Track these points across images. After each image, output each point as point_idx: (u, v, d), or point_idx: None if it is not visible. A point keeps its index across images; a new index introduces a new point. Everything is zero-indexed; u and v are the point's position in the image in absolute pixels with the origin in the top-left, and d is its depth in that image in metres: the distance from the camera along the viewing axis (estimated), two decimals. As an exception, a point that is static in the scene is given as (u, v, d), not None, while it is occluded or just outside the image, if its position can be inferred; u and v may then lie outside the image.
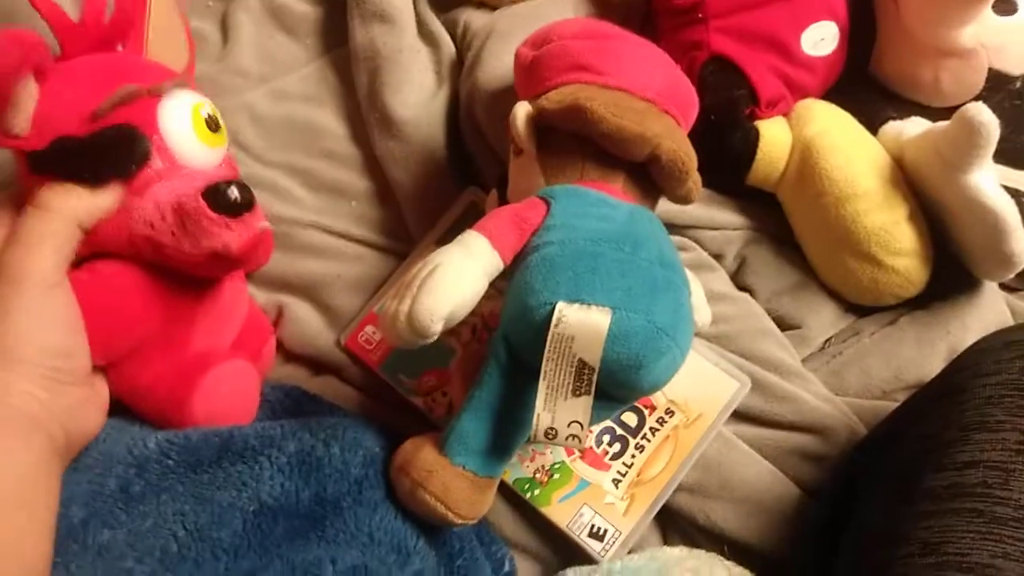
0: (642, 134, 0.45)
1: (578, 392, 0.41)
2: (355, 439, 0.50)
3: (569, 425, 0.42)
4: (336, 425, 0.50)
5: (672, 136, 0.47)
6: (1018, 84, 0.68)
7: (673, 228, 0.62)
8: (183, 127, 0.48)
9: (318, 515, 0.47)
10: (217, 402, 0.50)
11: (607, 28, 0.52)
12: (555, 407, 0.42)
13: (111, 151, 0.45)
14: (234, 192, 0.45)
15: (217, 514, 0.45)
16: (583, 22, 0.54)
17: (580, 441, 0.42)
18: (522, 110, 0.48)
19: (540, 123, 0.48)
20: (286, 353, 0.60)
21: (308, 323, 0.60)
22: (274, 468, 0.47)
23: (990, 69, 0.64)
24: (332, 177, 0.65)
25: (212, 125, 0.50)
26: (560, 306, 0.41)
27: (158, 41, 0.52)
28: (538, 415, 0.42)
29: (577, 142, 0.48)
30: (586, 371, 0.41)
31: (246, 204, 0.46)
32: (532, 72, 0.51)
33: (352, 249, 0.62)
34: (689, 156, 0.48)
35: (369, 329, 0.60)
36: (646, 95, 0.49)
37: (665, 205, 0.61)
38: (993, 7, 0.62)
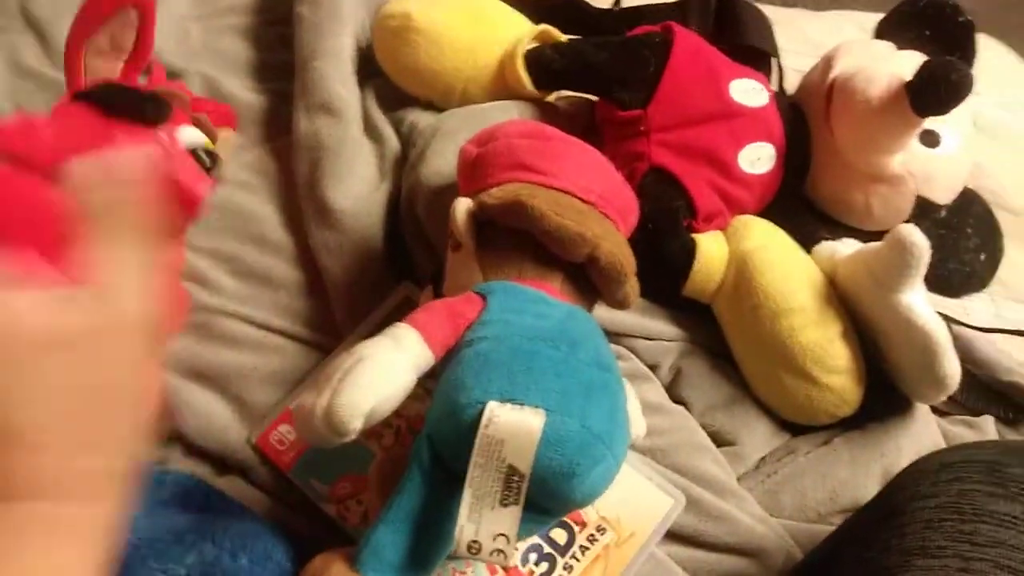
0: (582, 234, 0.45)
1: (506, 502, 0.38)
2: (265, 551, 0.46)
3: (495, 538, 0.39)
4: (245, 534, 0.46)
5: (611, 239, 0.47)
6: (943, 213, 0.70)
7: (608, 336, 0.61)
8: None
9: None
10: None
11: (552, 131, 0.52)
12: (480, 518, 0.38)
13: (153, 102, 0.55)
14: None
15: None
16: (529, 123, 0.54)
17: (506, 557, 0.39)
18: (463, 204, 0.48)
19: (481, 219, 0.47)
20: (189, 446, 0.56)
21: (217, 416, 0.56)
22: None
23: (918, 197, 0.67)
24: (261, 265, 0.62)
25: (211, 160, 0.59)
26: (491, 406, 0.38)
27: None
28: (461, 527, 0.38)
29: (517, 240, 0.47)
30: (516, 478, 0.38)
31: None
32: (476, 168, 0.51)
33: (272, 341, 0.59)
34: (628, 259, 0.47)
35: (283, 428, 0.56)
36: (588, 197, 0.48)
37: (600, 312, 0.61)
38: (919, 139, 0.66)
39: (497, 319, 0.43)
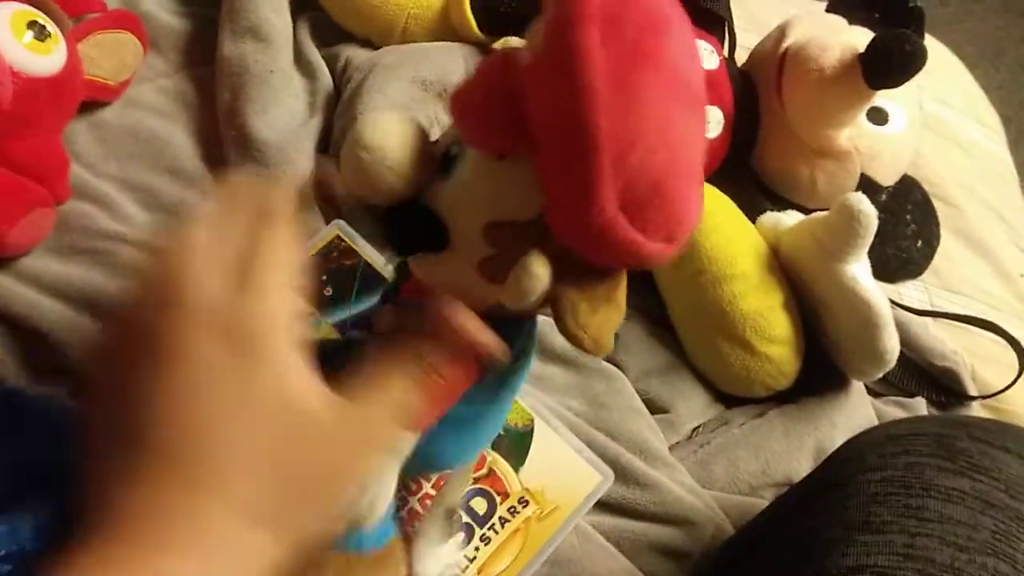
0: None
1: (449, 536, 0.45)
2: None
3: (447, 568, 0.46)
4: None
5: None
6: (884, 197, 0.70)
7: (547, 293, 0.58)
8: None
9: None
10: None
11: None
12: (432, 558, 0.44)
13: None
14: None
15: None
16: None
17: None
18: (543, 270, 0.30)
19: None
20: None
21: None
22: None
23: (862, 175, 0.66)
24: (174, 197, 0.57)
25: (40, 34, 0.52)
26: None
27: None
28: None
29: None
30: (454, 516, 0.44)
31: None
32: None
33: (185, 276, 0.54)
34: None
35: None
36: None
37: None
38: (868, 116, 0.65)
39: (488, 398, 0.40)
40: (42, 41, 0.52)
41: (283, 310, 0.33)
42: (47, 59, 0.53)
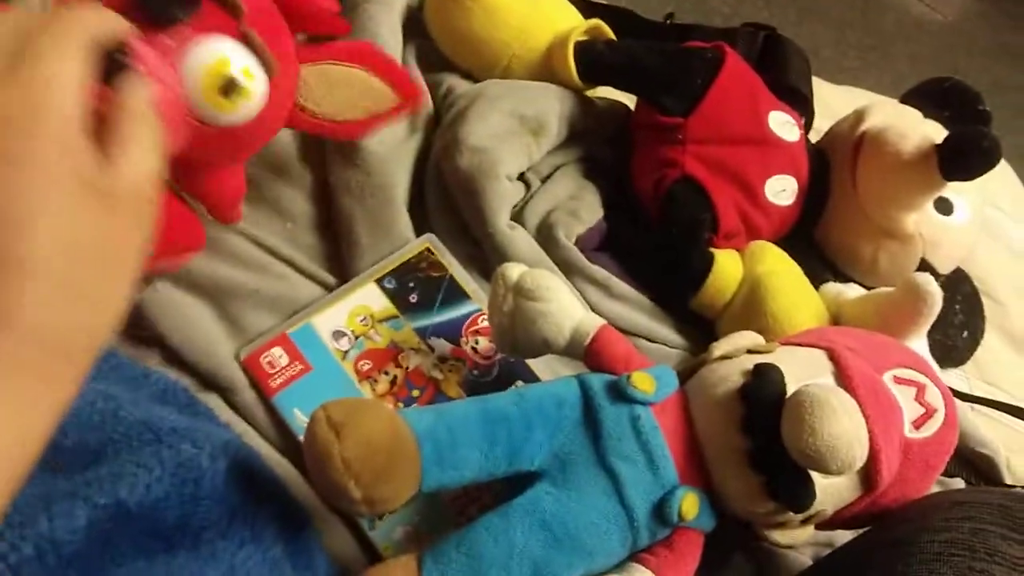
0: None
1: None
2: (245, 460, 0.44)
3: None
4: (227, 441, 0.44)
5: None
6: (938, 284, 0.72)
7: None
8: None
9: (176, 538, 0.40)
10: None
11: None
12: None
13: None
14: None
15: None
16: None
17: None
18: None
19: None
20: (170, 355, 0.53)
21: (206, 330, 0.53)
22: (142, 468, 0.40)
23: (922, 260, 0.68)
24: (274, 193, 0.60)
25: (227, 90, 0.47)
26: None
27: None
28: None
29: None
30: None
31: None
32: None
33: (277, 268, 0.57)
34: None
35: (276, 351, 0.53)
36: None
37: (614, 306, 0.60)
38: (934, 204, 0.67)
39: None
40: (227, 98, 0.47)
41: (62, 75, 0.32)
42: (232, 115, 0.48)
